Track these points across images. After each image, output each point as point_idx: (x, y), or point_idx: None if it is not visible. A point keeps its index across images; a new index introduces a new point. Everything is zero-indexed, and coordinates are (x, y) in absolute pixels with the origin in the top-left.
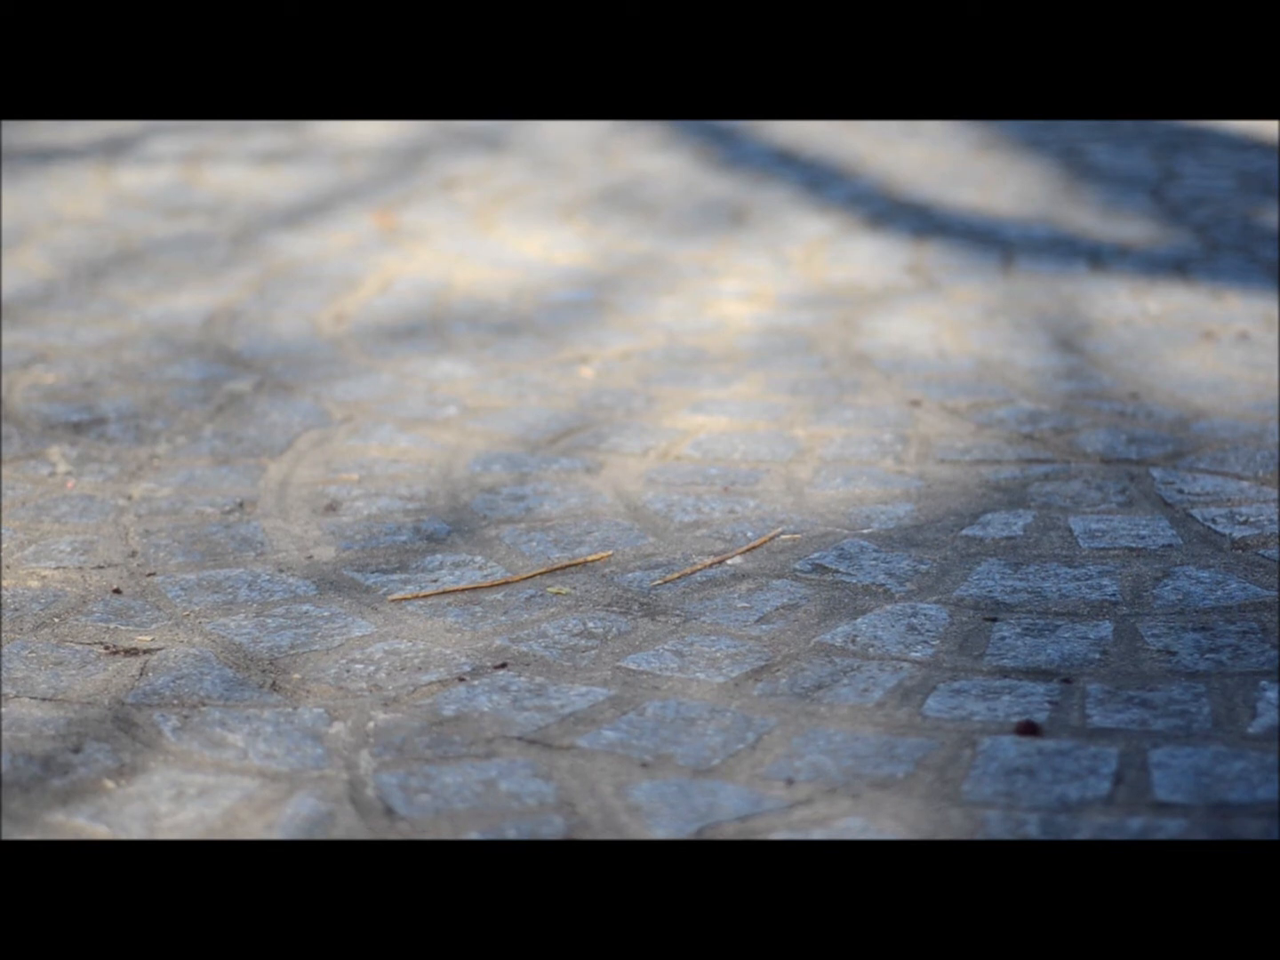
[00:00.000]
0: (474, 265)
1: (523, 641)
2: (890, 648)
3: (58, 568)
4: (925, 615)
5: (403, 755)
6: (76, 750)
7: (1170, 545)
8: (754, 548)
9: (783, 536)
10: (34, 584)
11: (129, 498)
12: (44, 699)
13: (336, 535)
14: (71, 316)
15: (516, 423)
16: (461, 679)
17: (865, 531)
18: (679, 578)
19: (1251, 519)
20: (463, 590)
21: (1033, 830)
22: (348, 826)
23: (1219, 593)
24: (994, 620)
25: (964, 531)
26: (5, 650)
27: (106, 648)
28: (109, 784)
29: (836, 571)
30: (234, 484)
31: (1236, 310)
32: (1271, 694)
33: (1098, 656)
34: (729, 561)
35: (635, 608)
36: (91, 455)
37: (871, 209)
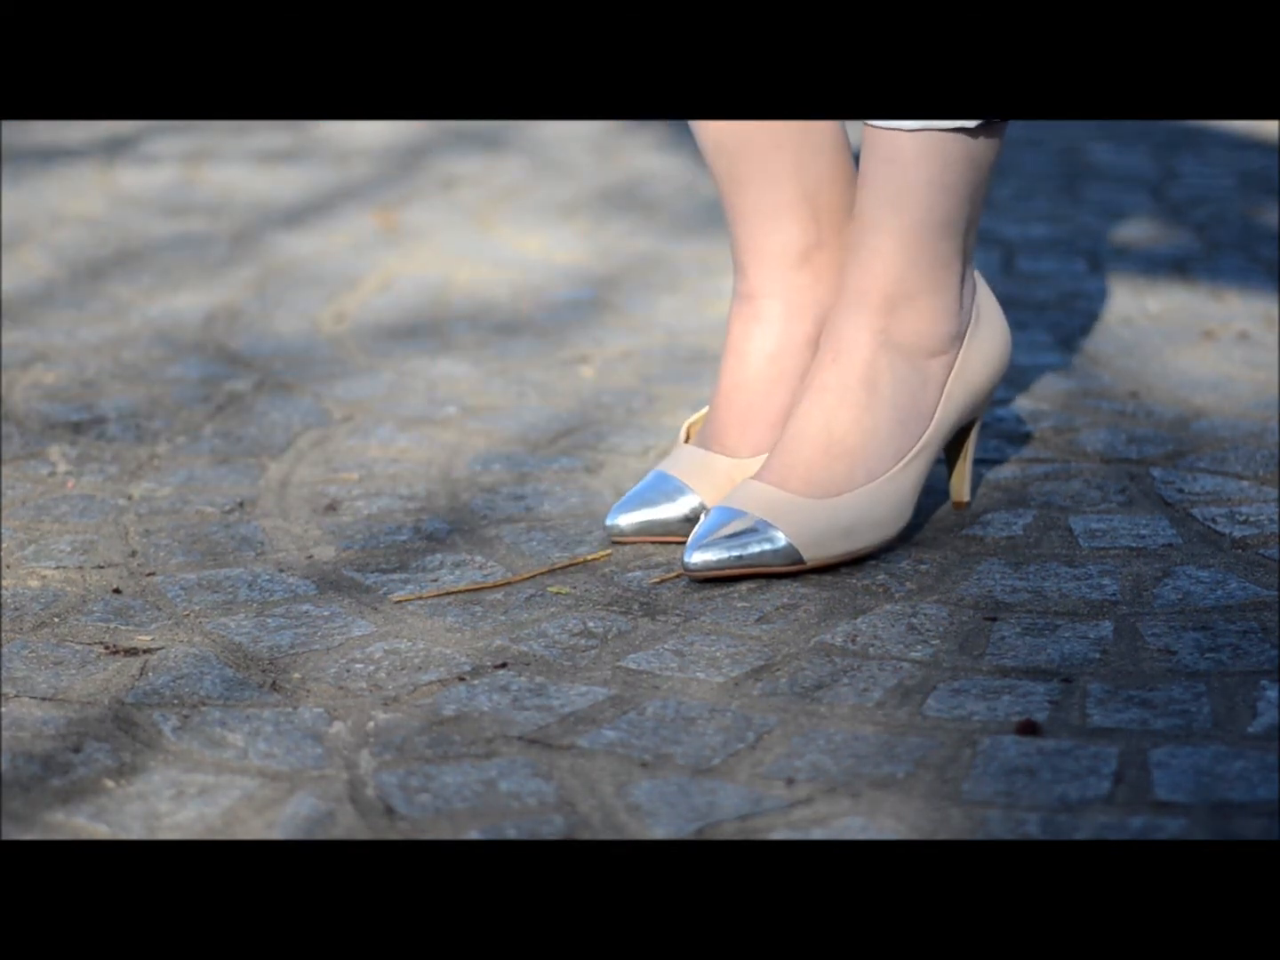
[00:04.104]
0: (474, 265)
1: (523, 641)
2: (890, 647)
3: (58, 567)
4: (925, 615)
5: (403, 755)
6: (76, 750)
7: (1170, 545)
8: None
9: None
10: (34, 584)
11: (129, 497)
12: (44, 698)
13: (336, 535)
14: (71, 316)
15: (516, 422)
16: (461, 678)
17: None
18: (678, 576)
19: (1252, 518)
20: (463, 590)
21: (1033, 830)
22: (348, 826)
23: (1219, 592)
24: (994, 620)
25: (964, 531)
26: (5, 650)
27: (106, 647)
28: (109, 783)
29: (836, 571)
30: (234, 483)
31: (1236, 309)
32: (1272, 693)
33: (1098, 656)
34: None
35: (635, 607)
36: (91, 455)
37: None
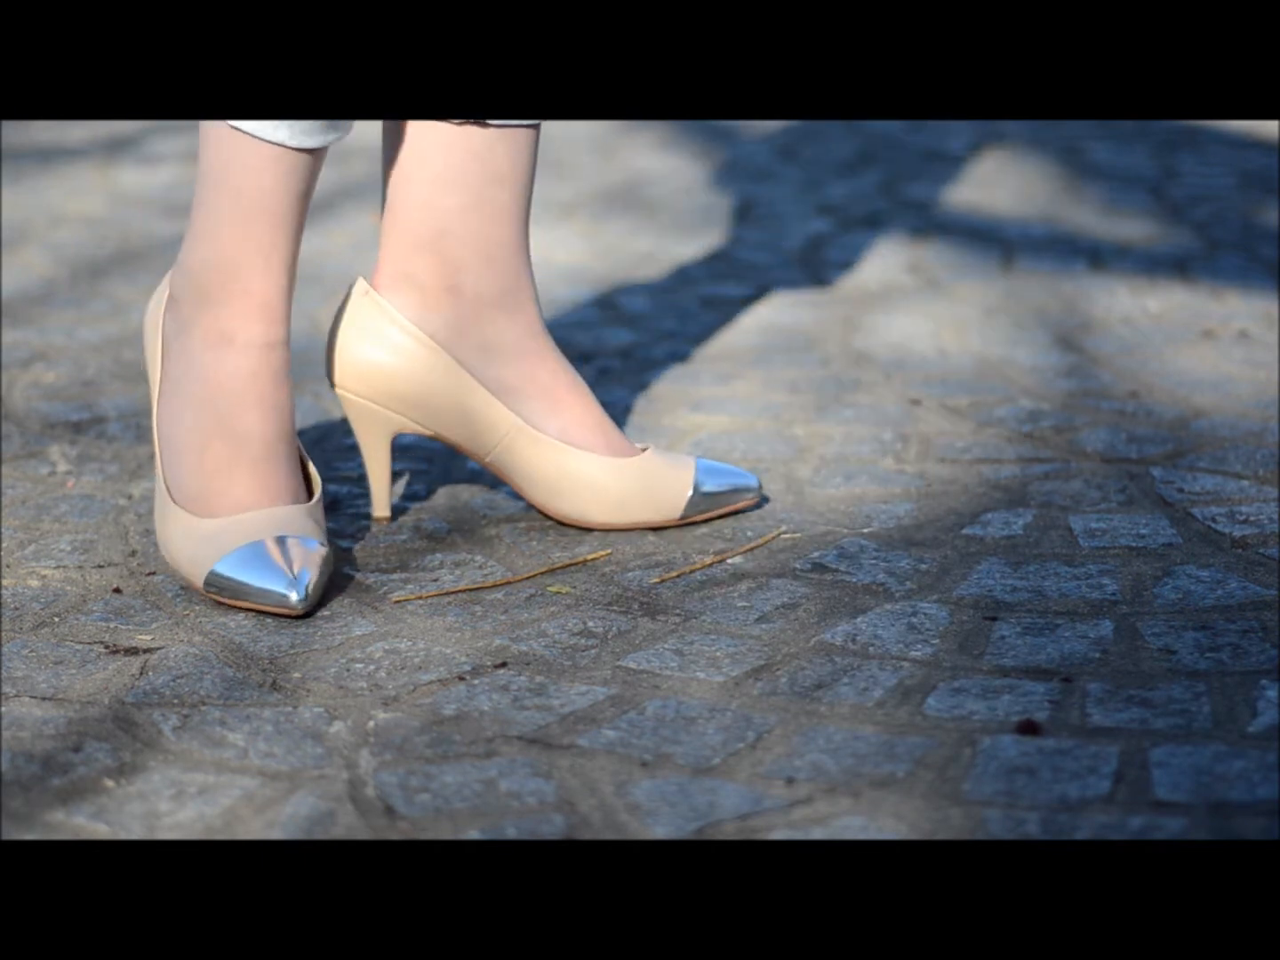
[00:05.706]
0: None
1: (523, 640)
2: (890, 647)
3: (58, 567)
4: (925, 614)
5: (403, 754)
6: (76, 749)
7: (1170, 544)
8: (754, 547)
9: (783, 535)
10: (34, 583)
11: (129, 497)
12: (44, 698)
13: (336, 534)
14: (71, 315)
15: None
16: (461, 678)
17: (865, 530)
18: (678, 576)
19: (1252, 518)
20: (463, 590)
21: (1033, 829)
22: (348, 826)
23: (1219, 592)
24: (994, 619)
25: (964, 530)
26: (5, 649)
27: (106, 647)
28: (109, 783)
29: (837, 570)
30: None
31: (1237, 309)
32: (1272, 693)
33: (1098, 655)
34: (729, 560)
35: (635, 607)
36: (91, 454)
37: (871, 207)
